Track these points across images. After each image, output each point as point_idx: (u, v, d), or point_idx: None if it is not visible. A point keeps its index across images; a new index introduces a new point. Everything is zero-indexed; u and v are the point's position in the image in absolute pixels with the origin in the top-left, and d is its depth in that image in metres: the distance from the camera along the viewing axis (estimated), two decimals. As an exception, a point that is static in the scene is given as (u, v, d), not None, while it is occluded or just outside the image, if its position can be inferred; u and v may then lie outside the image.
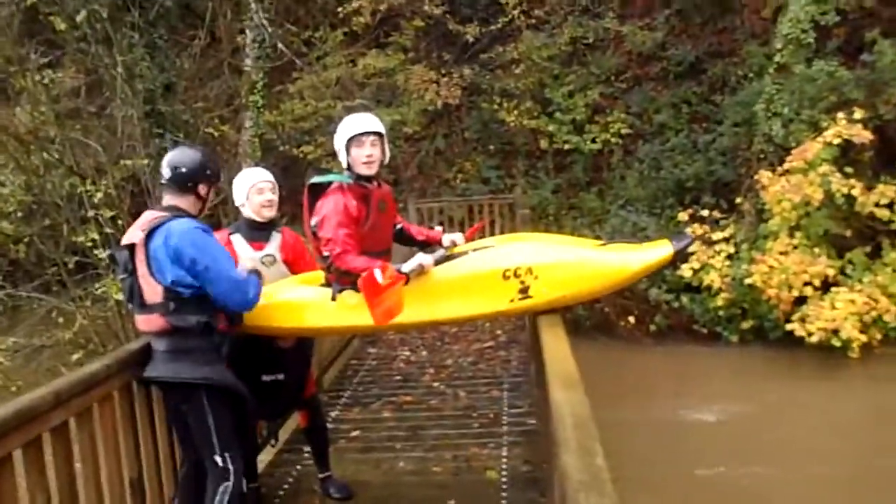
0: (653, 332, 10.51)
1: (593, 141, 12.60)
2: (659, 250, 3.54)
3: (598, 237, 9.90)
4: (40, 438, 2.61)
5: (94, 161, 9.42)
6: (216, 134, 11.39)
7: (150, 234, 3.04)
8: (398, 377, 6.67)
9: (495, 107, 13.22)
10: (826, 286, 9.44)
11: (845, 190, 9.31)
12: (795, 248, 9.56)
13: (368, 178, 3.59)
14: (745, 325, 10.08)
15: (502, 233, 9.83)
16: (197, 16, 12.82)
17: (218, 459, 3.10)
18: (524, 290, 3.40)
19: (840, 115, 9.58)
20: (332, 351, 6.62)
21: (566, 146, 12.65)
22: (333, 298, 3.51)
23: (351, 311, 3.43)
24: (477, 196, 12.08)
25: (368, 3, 12.57)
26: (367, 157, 3.55)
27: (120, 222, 8.27)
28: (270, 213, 3.86)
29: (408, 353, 7.45)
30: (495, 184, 12.98)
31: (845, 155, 9.68)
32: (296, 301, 3.60)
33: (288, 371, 3.87)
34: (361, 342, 7.70)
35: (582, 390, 2.38)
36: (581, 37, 13.36)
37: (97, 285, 8.99)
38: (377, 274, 3.15)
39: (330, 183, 3.59)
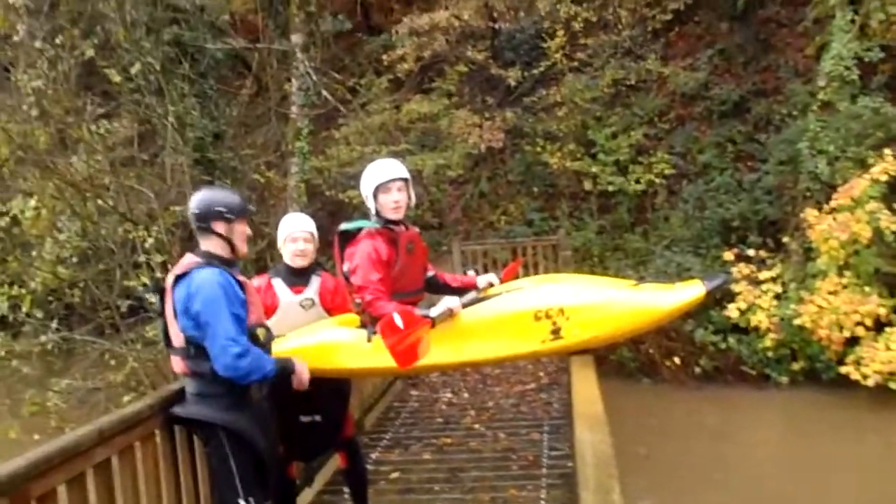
0: (697, 374, 10.31)
1: (637, 182, 12.54)
2: (691, 290, 3.53)
3: (642, 278, 9.79)
4: (84, 475, 2.70)
5: (146, 207, 9.69)
6: (263, 180, 11.67)
7: (178, 279, 3.14)
8: (439, 419, 6.68)
9: (538, 149, 13.28)
10: (879, 326, 9.20)
11: (895, 227, 9.13)
12: (845, 287, 9.34)
13: (395, 222, 3.71)
14: (796, 366, 9.84)
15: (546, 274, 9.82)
16: (245, 66, 13.23)
17: (242, 503, 3.13)
18: (556, 331, 3.42)
19: (887, 151, 9.43)
20: (374, 393, 6.68)
21: (610, 187, 12.60)
22: (369, 340, 3.58)
23: (386, 353, 3.44)
24: (521, 238, 12.06)
25: (412, 50, 12.80)
26: (394, 203, 3.68)
27: (170, 267, 8.45)
28: (302, 262, 3.96)
29: (450, 395, 7.47)
30: (539, 226, 12.99)
31: (894, 192, 9.51)
32: (332, 343, 3.67)
33: (325, 413, 3.94)
34: (404, 384, 7.72)
35: (607, 431, 2.41)
36: (623, 78, 13.37)
37: (148, 328, 9.20)
38: (396, 318, 3.23)
39: (359, 229, 3.70)
